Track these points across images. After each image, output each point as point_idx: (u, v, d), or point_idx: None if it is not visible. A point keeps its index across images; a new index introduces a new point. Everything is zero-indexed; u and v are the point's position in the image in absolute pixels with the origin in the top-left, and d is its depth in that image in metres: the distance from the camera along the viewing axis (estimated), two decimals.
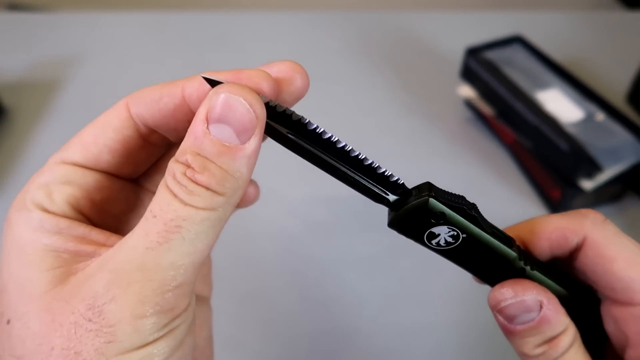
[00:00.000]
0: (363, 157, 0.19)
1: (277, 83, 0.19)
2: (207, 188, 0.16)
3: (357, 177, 0.20)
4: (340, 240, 0.44)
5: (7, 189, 0.49)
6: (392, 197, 0.20)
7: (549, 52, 0.56)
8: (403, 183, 0.20)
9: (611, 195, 0.47)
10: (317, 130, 0.19)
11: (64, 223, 0.18)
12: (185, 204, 0.16)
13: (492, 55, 0.54)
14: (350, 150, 0.19)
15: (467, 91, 0.55)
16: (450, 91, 0.59)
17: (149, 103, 0.19)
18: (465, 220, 0.20)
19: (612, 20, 0.75)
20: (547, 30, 0.68)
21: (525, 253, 0.22)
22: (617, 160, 0.44)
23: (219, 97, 0.17)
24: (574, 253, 0.22)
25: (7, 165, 0.51)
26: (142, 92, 0.20)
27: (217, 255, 0.44)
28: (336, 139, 0.19)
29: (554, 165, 0.46)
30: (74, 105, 0.57)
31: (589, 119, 0.47)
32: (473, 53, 0.54)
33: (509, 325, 0.21)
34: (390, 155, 0.52)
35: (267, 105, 0.18)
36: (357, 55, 0.66)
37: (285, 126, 0.18)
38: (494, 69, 0.52)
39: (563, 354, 0.21)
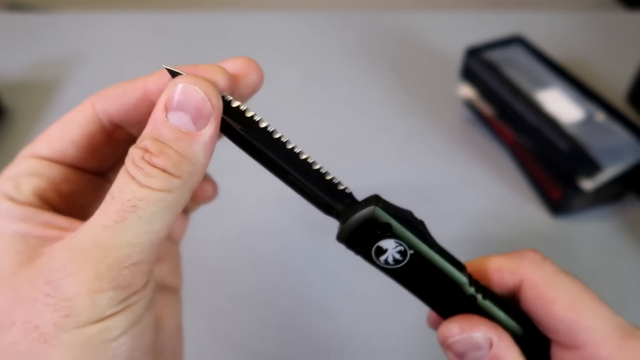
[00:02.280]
0: (312, 161, 0.19)
1: (233, 77, 0.19)
2: (164, 170, 0.17)
3: (305, 183, 0.19)
4: None
5: None
6: (340, 208, 0.20)
7: (549, 52, 0.56)
8: (351, 193, 0.20)
9: (611, 195, 0.47)
10: (268, 129, 0.19)
11: (30, 211, 0.19)
12: (142, 185, 0.17)
13: (492, 55, 0.54)
14: (299, 152, 0.19)
15: (467, 91, 0.55)
16: (450, 91, 0.59)
17: (113, 99, 0.20)
18: (410, 234, 0.20)
19: (612, 20, 0.75)
20: (547, 30, 0.68)
21: (478, 282, 0.22)
22: (617, 160, 0.44)
23: (177, 87, 0.17)
24: (515, 295, 0.22)
25: (7, 165, 0.51)
26: (106, 90, 0.21)
27: (217, 256, 0.44)
28: (286, 139, 0.19)
29: (554, 165, 0.46)
30: (74, 105, 0.57)
31: (589, 119, 0.47)
32: (473, 53, 0.54)
33: None
34: (389, 156, 0.52)
35: (223, 99, 0.18)
36: (357, 55, 0.66)
37: (238, 122, 0.19)
38: (494, 69, 0.52)
39: None
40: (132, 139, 0.22)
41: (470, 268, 0.22)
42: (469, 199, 0.48)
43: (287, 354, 0.38)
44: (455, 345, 0.21)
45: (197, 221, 0.47)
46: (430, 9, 1.42)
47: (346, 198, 0.20)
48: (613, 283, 0.42)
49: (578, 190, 0.44)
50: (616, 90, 0.60)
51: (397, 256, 0.20)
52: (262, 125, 0.19)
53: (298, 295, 0.41)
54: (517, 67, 0.53)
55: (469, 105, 0.56)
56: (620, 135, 0.45)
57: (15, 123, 0.56)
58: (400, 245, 0.20)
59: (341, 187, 0.20)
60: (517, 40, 0.56)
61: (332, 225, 0.50)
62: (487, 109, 0.53)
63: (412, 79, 0.62)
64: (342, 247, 0.47)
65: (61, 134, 0.21)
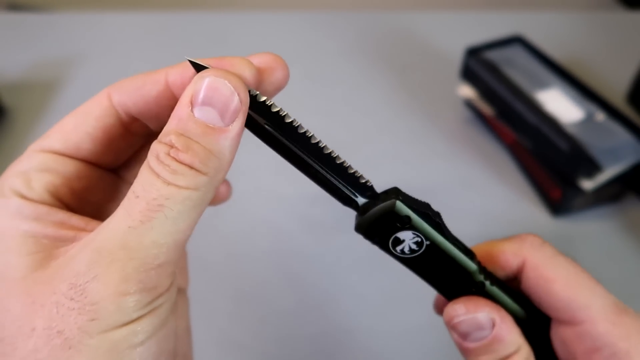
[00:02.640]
0: (335, 155, 0.20)
1: (259, 72, 0.19)
2: (191, 167, 0.16)
3: (328, 176, 0.20)
4: (340, 240, 0.44)
5: None
6: (360, 200, 0.20)
7: (549, 52, 0.56)
8: (372, 186, 0.20)
9: (611, 195, 0.47)
10: (294, 124, 0.19)
11: (43, 209, 0.18)
12: (168, 183, 0.16)
13: (492, 55, 0.54)
14: (323, 147, 0.19)
15: (467, 91, 0.55)
16: (450, 91, 0.59)
17: (132, 91, 0.20)
18: (429, 226, 0.20)
19: (612, 20, 0.75)
20: (547, 30, 0.68)
21: (486, 269, 0.22)
22: (617, 160, 0.44)
23: (204, 81, 0.17)
24: (518, 276, 0.23)
25: (7, 165, 0.51)
26: (124, 81, 0.20)
27: (217, 255, 0.44)
28: (311, 134, 0.19)
29: (554, 165, 0.46)
30: (74, 105, 0.57)
31: (589, 119, 0.47)
32: (473, 53, 0.54)
33: (463, 343, 0.21)
34: (389, 156, 0.52)
35: (249, 94, 0.18)
36: (357, 55, 0.66)
37: (263, 116, 0.18)
38: (494, 69, 0.52)
39: None
40: (148, 133, 0.21)
41: (476, 251, 0.23)
42: (468, 198, 0.48)
43: (287, 353, 0.38)
44: (460, 325, 0.21)
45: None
46: (430, 9, 1.42)
47: (367, 190, 0.20)
48: (613, 283, 0.42)
49: (578, 190, 0.44)
50: (616, 90, 0.60)
51: (414, 246, 0.21)
52: (288, 120, 0.19)
53: (298, 294, 0.41)
54: (517, 67, 0.53)
55: (469, 105, 0.56)
56: (620, 135, 0.45)
57: (15, 123, 0.56)
58: (418, 236, 0.20)
59: (363, 180, 0.20)
60: (517, 40, 0.56)
61: (331, 225, 0.50)
62: (487, 109, 0.53)
63: (412, 79, 0.62)
64: (341, 247, 0.47)
65: (76, 126, 0.20)
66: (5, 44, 0.67)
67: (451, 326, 0.22)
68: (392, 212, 0.20)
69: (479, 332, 0.21)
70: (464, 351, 0.22)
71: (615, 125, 0.46)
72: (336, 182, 0.20)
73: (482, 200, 0.48)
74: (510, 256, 0.23)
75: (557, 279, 0.21)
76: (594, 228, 0.46)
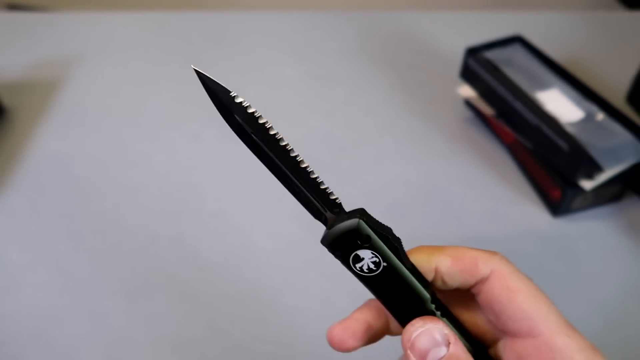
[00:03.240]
0: (310, 170, 0.21)
1: None
2: None
3: (302, 189, 0.22)
4: None
5: (7, 189, 0.49)
6: (329, 216, 0.22)
7: (549, 52, 0.56)
8: (340, 203, 0.22)
9: (611, 195, 0.47)
10: (276, 137, 0.21)
11: None
12: None
13: (492, 55, 0.54)
14: (300, 161, 0.21)
15: (467, 91, 0.55)
16: (450, 91, 0.59)
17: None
18: (387, 248, 0.22)
19: (612, 20, 0.75)
20: (547, 30, 0.68)
21: (439, 300, 0.24)
22: (617, 160, 0.44)
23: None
24: (480, 285, 0.24)
25: (7, 165, 0.51)
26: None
27: (217, 255, 0.44)
28: (291, 147, 0.21)
29: (554, 165, 0.46)
30: (74, 105, 0.57)
31: (589, 119, 0.47)
32: (473, 53, 0.54)
33: None
34: (390, 155, 0.52)
35: (240, 105, 0.20)
36: (357, 55, 0.66)
37: (250, 126, 0.20)
38: (494, 69, 0.52)
39: None
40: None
41: (438, 250, 0.24)
42: (468, 198, 0.48)
43: (287, 353, 0.38)
44: (419, 339, 0.23)
45: (197, 221, 0.47)
46: (430, 9, 1.42)
47: (336, 207, 0.22)
48: (613, 283, 0.42)
49: (578, 190, 0.44)
50: (616, 90, 0.60)
51: (372, 266, 0.22)
52: (271, 132, 0.21)
53: (298, 295, 0.41)
54: (517, 67, 0.53)
55: (469, 105, 0.56)
56: (620, 135, 0.45)
57: (15, 123, 0.56)
58: (376, 257, 0.22)
59: (332, 197, 0.22)
60: (517, 40, 0.56)
61: None
62: (487, 108, 0.53)
63: (412, 79, 0.62)
64: None
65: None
66: (5, 44, 0.67)
67: (410, 344, 0.23)
68: (355, 230, 0.22)
69: (436, 350, 0.22)
70: None
71: (615, 125, 0.46)
72: (309, 196, 0.22)
73: (482, 200, 0.48)
74: (482, 264, 0.24)
75: (521, 290, 0.23)
76: (594, 228, 0.46)
